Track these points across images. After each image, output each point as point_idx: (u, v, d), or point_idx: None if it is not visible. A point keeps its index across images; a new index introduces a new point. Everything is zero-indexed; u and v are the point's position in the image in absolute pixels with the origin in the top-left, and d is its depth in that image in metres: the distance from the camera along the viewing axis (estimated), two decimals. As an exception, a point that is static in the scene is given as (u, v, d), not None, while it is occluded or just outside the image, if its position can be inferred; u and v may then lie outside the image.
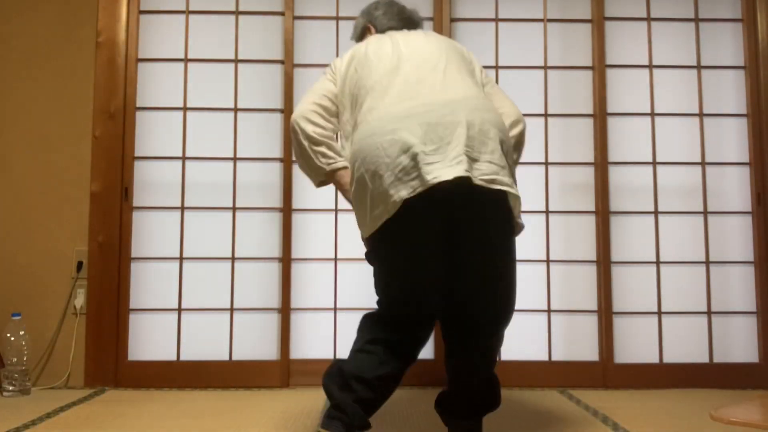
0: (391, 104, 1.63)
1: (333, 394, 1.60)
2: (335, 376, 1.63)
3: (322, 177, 1.77)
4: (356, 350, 1.64)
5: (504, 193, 1.61)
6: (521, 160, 2.73)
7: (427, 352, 2.64)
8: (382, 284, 1.68)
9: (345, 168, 1.74)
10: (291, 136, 1.79)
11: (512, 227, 1.70)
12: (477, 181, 1.54)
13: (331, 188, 2.72)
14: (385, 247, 1.65)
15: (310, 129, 1.74)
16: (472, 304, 1.68)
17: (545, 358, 2.68)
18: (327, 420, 1.58)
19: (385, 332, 1.64)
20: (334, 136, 1.79)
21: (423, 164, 1.52)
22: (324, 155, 1.73)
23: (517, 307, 2.66)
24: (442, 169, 1.52)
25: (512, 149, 1.74)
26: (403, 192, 1.53)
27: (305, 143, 1.74)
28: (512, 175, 1.67)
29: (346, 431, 1.55)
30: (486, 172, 1.56)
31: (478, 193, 1.56)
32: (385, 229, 1.59)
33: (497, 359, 1.78)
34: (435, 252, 1.62)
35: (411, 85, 1.65)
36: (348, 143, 1.75)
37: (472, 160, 1.55)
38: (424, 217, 1.58)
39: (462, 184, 1.52)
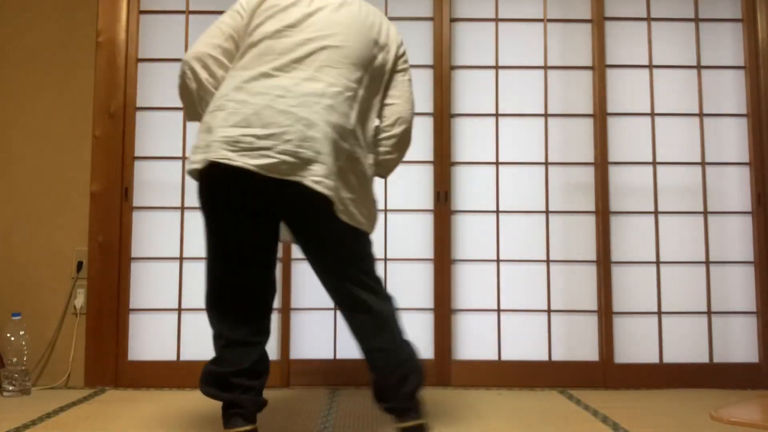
0: (259, 74, 1.61)
1: (220, 396, 1.68)
2: (212, 381, 1.69)
3: (197, 120, 1.77)
4: (220, 347, 1.71)
5: (325, 196, 1.57)
6: (520, 160, 2.76)
7: (426, 352, 2.64)
8: (207, 244, 1.73)
9: None
10: (179, 72, 1.73)
11: (346, 226, 1.64)
12: (307, 182, 1.54)
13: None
14: (204, 206, 1.69)
15: (204, 76, 1.70)
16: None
17: (545, 358, 2.68)
18: (226, 420, 1.67)
19: (228, 322, 1.71)
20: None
21: (246, 145, 1.54)
22: (208, 105, 1.71)
23: (517, 306, 2.70)
24: (259, 159, 1.53)
25: (390, 148, 1.77)
26: (215, 154, 1.55)
27: (193, 86, 1.71)
28: (344, 178, 1.61)
29: (248, 421, 1.65)
30: (319, 173, 1.55)
31: (302, 192, 1.56)
32: (202, 184, 1.65)
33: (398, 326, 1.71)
34: (246, 229, 1.66)
35: (286, 61, 1.62)
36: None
37: (304, 160, 1.54)
38: (231, 193, 1.62)
39: (285, 180, 1.54)
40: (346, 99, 1.63)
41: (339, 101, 1.61)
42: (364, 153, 1.68)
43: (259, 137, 1.54)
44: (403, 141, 1.80)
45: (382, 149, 1.77)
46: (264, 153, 1.53)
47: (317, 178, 1.55)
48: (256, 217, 1.66)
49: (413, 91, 1.84)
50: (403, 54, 1.82)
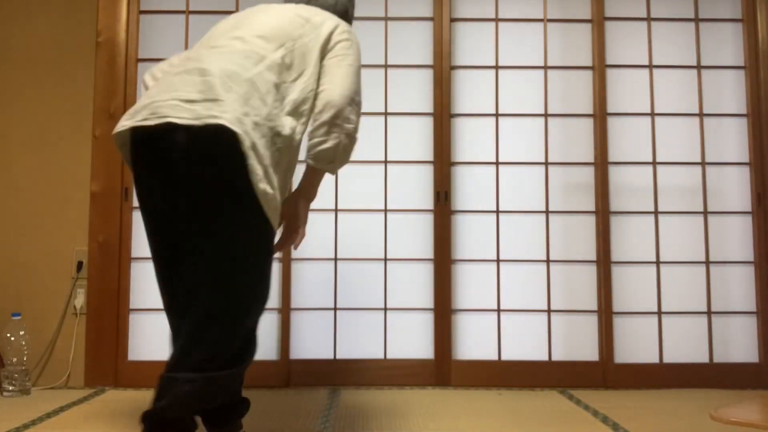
0: (178, 65, 1.63)
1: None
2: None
3: None
4: None
5: (228, 135, 1.45)
6: (520, 160, 2.76)
7: (427, 351, 2.65)
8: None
9: None
10: None
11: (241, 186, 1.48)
12: (195, 121, 1.46)
13: (332, 189, 2.73)
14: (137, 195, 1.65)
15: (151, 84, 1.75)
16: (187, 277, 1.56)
17: (545, 358, 2.68)
18: None
19: (172, 330, 1.64)
20: None
21: (148, 112, 1.50)
22: None
23: (517, 306, 2.70)
24: (154, 118, 1.48)
25: (322, 137, 1.64)
26: (118, 130, 1.54)
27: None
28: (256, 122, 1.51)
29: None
30: (214, 110, 1.47)
31: (190, 137, 1.47)
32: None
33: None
34: (162, 208, 1.57)
35: (203, 50, 1.64)
36: None
37: (210, 100, 1.48)
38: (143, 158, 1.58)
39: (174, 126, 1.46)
40: (246, 57, 1.59)
41: (237, 57, 1.58)
42: (272, 114, 1.56)
43: (158, 101, 1.51)
44: (335, 126, 1.64)
45: (314, 140, 1.65)
46: (159, 110, 1.49)
47: (217, 113, 1.46)
48: (164, 191, 1.54)
49: (352, 76, 1.71)
50: (342, 41, 1.72)
